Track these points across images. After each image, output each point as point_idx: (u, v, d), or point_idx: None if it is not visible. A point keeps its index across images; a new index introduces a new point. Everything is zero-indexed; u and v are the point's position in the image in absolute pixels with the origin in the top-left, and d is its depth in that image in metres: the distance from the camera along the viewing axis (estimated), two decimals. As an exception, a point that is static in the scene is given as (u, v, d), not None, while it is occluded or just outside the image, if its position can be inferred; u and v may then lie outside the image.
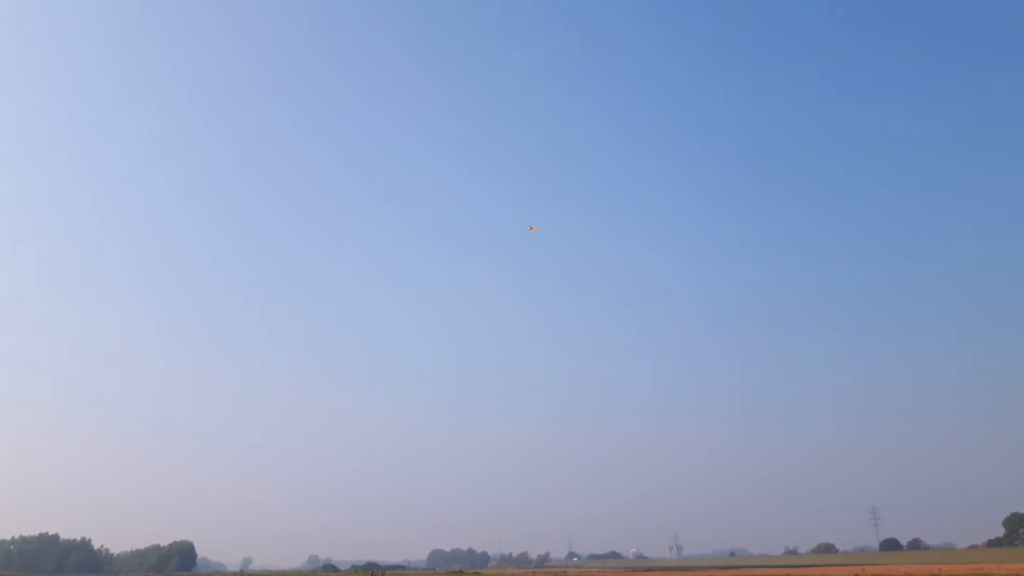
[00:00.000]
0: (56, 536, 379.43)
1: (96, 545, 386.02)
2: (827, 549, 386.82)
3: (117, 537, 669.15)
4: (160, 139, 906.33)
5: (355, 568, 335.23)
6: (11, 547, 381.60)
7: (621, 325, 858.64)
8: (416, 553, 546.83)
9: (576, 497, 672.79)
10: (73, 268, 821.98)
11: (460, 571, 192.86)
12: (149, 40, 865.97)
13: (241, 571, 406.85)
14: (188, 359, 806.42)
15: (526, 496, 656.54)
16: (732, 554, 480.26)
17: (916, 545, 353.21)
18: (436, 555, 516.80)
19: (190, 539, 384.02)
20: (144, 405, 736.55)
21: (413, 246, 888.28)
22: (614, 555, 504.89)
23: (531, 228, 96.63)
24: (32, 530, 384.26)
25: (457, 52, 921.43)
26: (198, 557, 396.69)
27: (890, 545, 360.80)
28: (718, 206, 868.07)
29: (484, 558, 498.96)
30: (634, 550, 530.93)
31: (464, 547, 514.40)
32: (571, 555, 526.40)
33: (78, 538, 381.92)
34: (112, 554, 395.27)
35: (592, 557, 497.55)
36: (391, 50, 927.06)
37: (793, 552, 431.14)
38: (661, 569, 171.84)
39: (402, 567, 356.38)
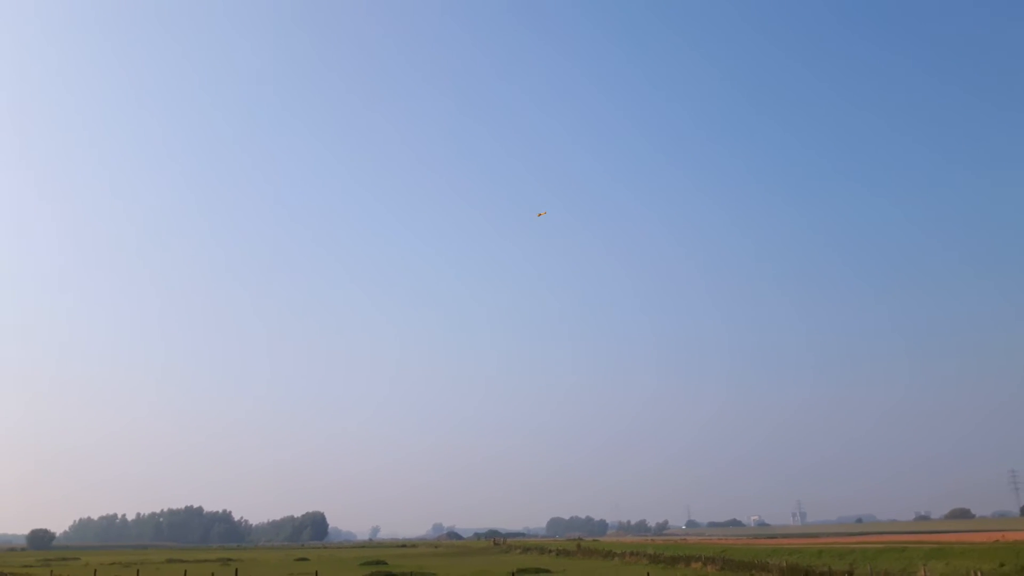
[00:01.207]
0: (200, 509, 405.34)
1: (236, 517, 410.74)
2: (962, 515, 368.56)
3: (255, 509, 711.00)
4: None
5: (477, 535, 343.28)
6: (161, 519, 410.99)
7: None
8: (535, 521, 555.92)
9: (695, 464, 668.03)
10: (217, 261, 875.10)
11: (579, 539, 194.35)
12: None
13: (369, 539, 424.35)
14: (321, 344, 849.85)
15: (645, 465, 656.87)
16: (859, 520, 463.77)
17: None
18: (555, 523, 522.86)
19: (321, 510, 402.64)
20: (277, 386, 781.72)
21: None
22: (735, 523, 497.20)
23: (540, 215, 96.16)
24: (179, 503, 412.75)
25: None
26: (329, 527, 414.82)
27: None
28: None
29: (602, 526, 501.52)
30: (755, 517, 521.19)
31: (582, 515, 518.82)
32: (690, 523, 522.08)
33: (220, 510, 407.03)
34: (251, 525, 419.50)
35: (712, 525, 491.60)
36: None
37: (925, 518, 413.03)
38: (784, 537, 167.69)
39: (522, 534, 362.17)
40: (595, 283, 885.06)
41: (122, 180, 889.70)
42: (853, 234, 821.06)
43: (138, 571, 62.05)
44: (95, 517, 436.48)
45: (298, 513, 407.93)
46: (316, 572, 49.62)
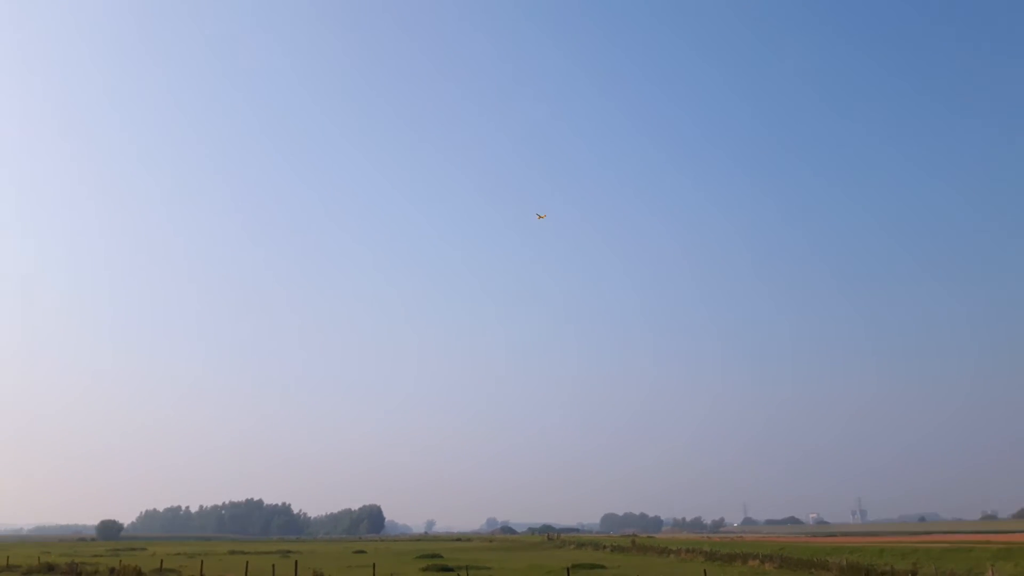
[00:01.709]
0: (261, 501, 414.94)
1: (295, 509, 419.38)
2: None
3: (314, 502, 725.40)
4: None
5: (531, 530, 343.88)
6: (223, 511, 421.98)
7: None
8: (589, 517, 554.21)
9: (752, 461, 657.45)
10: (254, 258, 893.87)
11: (634, 535, 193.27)
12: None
13: (425, 532, 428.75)
14: (387, 339, 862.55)
15: (702, 462, 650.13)
16: (922, 519, 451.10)
17: None
18: (608, 519, 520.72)
19: (378, 503, 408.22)
20: (336, 383, 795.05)
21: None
22: (792, 520, 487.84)
23: (540, 216, 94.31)
24: (240, 496, 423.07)
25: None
26: (385, 520, 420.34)
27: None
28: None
29: (657, 523, 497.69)
30: (814, 515, 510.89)
31: (637, 511, 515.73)
32: (747, 520, 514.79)
33: (280, 503, 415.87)
34: (310, 517, 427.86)
35: (769, 523, 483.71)
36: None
37: (992, 517, 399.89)
38: (844, 535, 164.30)
39: (576, 530, 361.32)
40: (665, 281, 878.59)
41: (173, 188, 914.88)
42: (919, 227, 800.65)
43: (202, 562, 63.82)
44: (160, 509, 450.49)
45: (355, 506, 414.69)
46: (374, 564, 50.39)
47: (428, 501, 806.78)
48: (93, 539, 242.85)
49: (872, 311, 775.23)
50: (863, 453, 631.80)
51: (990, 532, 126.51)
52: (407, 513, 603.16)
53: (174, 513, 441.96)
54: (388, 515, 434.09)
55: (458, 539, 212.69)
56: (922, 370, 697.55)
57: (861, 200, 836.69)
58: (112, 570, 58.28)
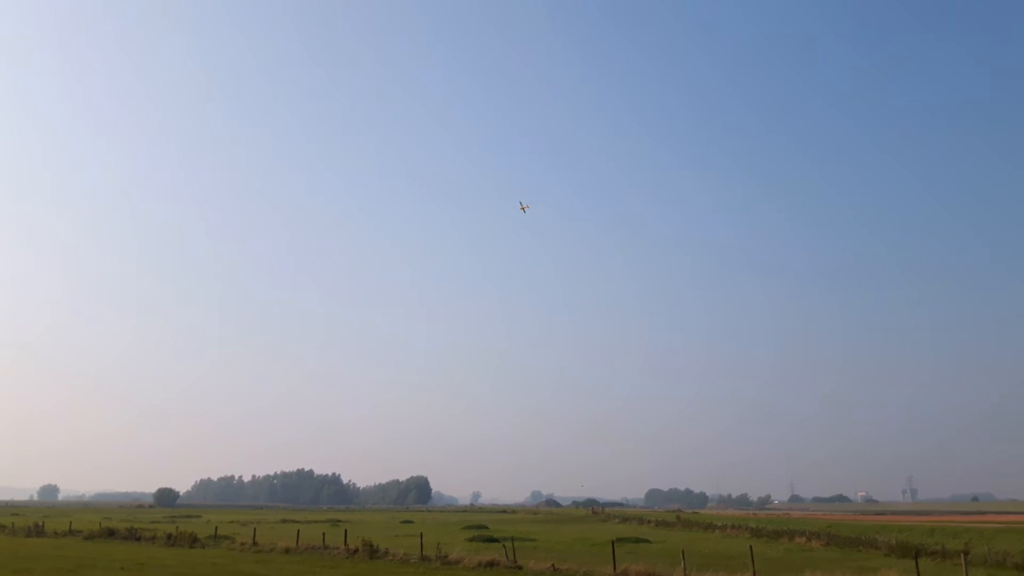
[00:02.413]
0: (311, 472, 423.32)
1: (344, 480, 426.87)
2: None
3: (362, 473, 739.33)
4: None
5: (575, 504, 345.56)
6: (275, 481, 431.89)
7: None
8: (633, 491, 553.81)
9: (800, 438, 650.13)
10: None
11: (678, 510, 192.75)
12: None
13: (471, 504, 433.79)
14: (437, 310, 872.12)
15: (749, 439, 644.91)
16: (975, 499, 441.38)
17: None
18: (653, 494, 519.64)
19: (425, 475, 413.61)
20: (387, 357, 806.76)
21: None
22: (841, 499, 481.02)
23: (523, 207, 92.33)
24: (291, 467, 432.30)
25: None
26: (432, 491, 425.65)
27: None
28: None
29: (702, 498, 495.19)
30: (863, 493, 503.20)
31: (682, 487, 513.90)
32: (794, 498, 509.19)
33: (329, 473, 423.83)
34: (358, 488, 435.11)
35: (817, 500, 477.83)
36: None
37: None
38: (893, 514, 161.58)
39: (620, 504, 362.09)
40: (727, 279, 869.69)
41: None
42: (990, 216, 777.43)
43: (255, 529, 65.50)
44: (214, 478, 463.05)
45: (403, 477, 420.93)
46: (421, 534, 51.14)
47: (474, 473, 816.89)
48: (151, 506, 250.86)
49: (928, 300, 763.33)
50: (915, 432, 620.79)
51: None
52: (453, 485, 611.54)
53: (227, 482, 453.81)
54: (435, 486, 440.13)
55: (503, 511, 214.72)
56: (977, 352, 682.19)
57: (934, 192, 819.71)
58: (169, 535, 60.15)
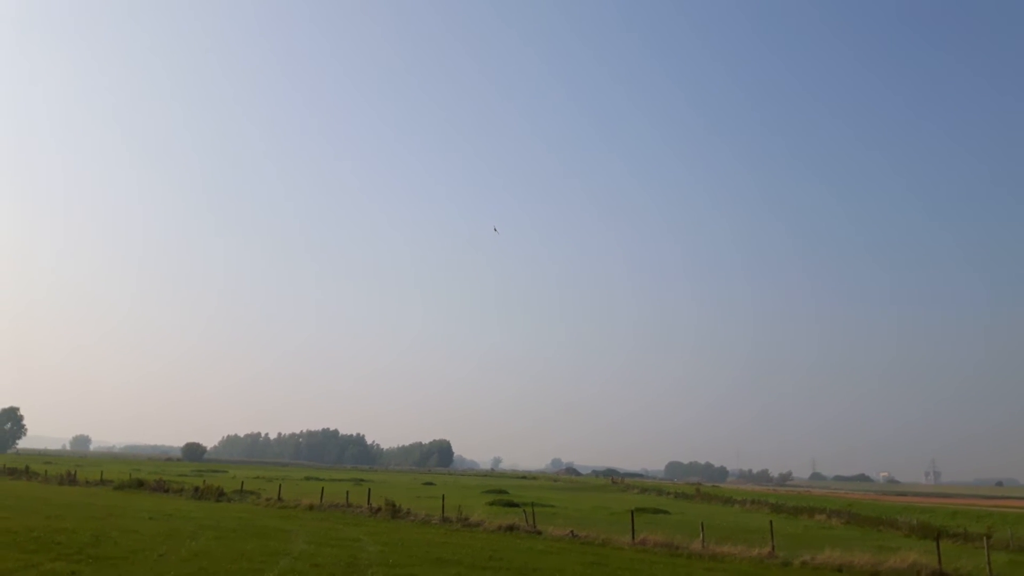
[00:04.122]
0: (336, 431, 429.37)
1: (368, 440, 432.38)
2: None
3: (386, 434, 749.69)
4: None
5: (595, 473, 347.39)
6: (300, 440, 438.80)
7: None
8: (654, 463, 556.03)
9: (823, 417, 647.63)
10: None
11: (698, 483, 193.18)
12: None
13: (491, 469, 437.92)
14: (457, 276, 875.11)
15: (772, 415, 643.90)
16: (999, 484, 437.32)
17: None
18: (673, 467, 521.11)
19: (448, 439, 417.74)
20: (411, 325, 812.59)
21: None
22: (862, 478, 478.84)
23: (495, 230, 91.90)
24: (317, 426, 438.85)
25: None
26: (454, 455, 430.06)
27: None
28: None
29: (722, 473, 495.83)
30: (885, 474, 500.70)
31: (702, 461, 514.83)
32: (815, 475, 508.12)
33: (354, 434, 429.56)
34: (382, 449, 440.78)
35: (838, 479, 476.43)
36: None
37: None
38: (915, 495, 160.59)
39: (639, 475, 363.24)
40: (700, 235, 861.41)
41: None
42: None
43: (280, 485, 66.72)
44: (241, 435, 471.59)
45: (426, 440, 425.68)
46: (443, 496, 51.77)
47: (496, 439, 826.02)
48: (179, 459, 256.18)
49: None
50: (941, 415, 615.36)
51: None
52: (475, 449, 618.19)
53: (254, 439, 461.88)
54: (457, 450, 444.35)
55: (523, 477, 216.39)
56: (995, 334, 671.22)
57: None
58: (196, 488, 61.43)
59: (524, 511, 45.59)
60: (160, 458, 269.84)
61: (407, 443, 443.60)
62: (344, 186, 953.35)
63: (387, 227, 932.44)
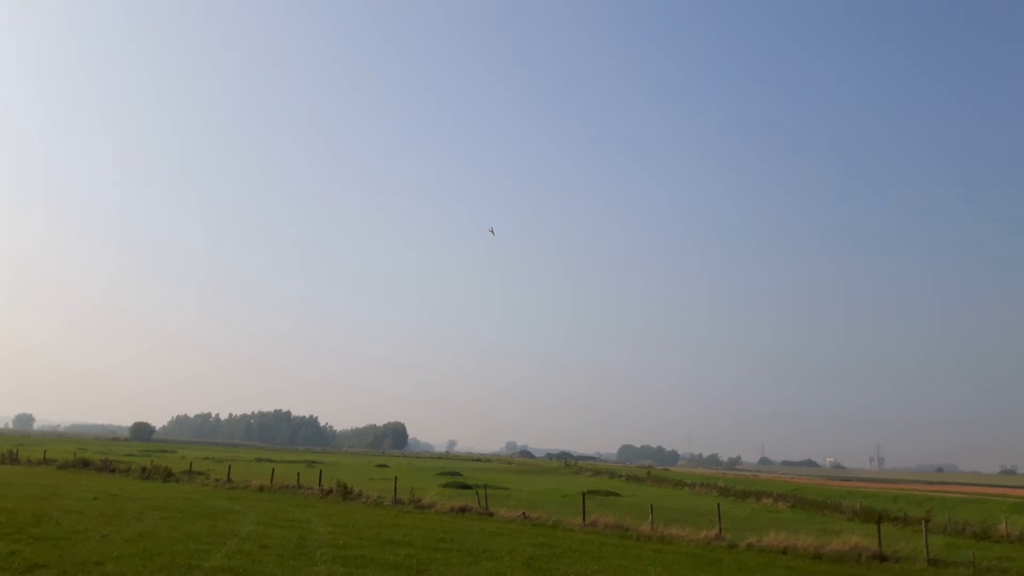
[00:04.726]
0: (288, 413, 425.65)
1: (322, 422, 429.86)
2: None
3: (340, 416, 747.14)
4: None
5: (549, 456, 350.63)
6: (251, 420, 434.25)
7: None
8: (607, 447, 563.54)
9: (773, 404, 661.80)
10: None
11: (650, 466, 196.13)
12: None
13: (446, 452, 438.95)
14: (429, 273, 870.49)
15: (722, 400, 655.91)
16: (939, 470, 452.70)
17: None
18: (626, 450, 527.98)
19: (402, 421, 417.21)
20: (368, 310, 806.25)
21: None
22: (809, 463, 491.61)
23: (491, 231, 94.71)
24: (269, 407, 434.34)
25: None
26: (409, 438, 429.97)
27: None
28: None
29: (673, 456, 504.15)
30: (831, 459, 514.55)
31: (654, 444, 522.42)
32: (763, 460, 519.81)
33: (307, 415, 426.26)
34: (335, 431, 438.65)
35: (786, 464, 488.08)
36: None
37: (1011, 472, 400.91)
38: (860, 480, 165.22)
39: (593, 458, 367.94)
40: (655, 226, 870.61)
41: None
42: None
43: (229, 466, 65.87)
44: (191, 415, 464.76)
45: (380, 423, 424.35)
46: (395, 478, 51.65)
47: (451, 422, 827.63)
48: (126, 439, 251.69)
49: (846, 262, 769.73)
50: (886, 404, 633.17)
51: (1008, 486, 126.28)
52: (430, 432, 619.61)
53: (204, 419, 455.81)
54: (412, 433, 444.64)
55: (478, 460, 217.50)
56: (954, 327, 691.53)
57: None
58: (143, 469, 60.36)
59: (477, 493, 45.75)
60: (107, 438, 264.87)
61: (361, 425, 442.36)
62: (295, 163, 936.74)
63: (336, 213, 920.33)
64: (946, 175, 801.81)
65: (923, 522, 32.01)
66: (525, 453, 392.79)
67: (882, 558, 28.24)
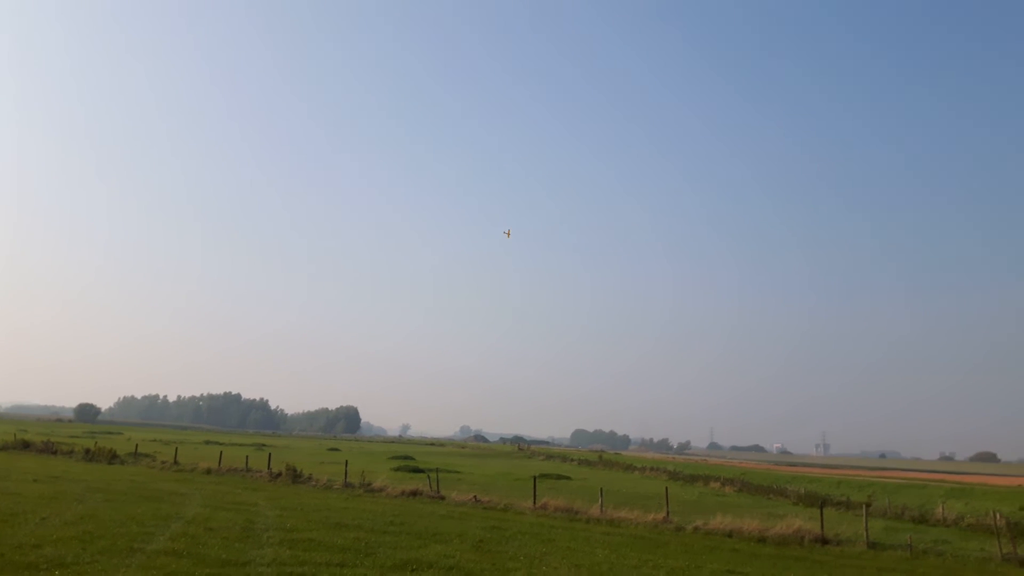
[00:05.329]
0: (239, 395, 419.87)
1: (273, 406, 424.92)
2: (988, 458, 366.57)
3: (292, 400, 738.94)
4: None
5: (503, 440, 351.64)
6: (200, 403, 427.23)
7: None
8: (560, 431, 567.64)
9: (721, 391, 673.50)
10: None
11: (601, 451, 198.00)
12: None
13: (399, 436, 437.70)
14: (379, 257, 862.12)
15: (673, 387, 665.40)
16: (882, 456, 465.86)
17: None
18: (579, 434, 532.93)
19: (355, 405, 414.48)
20: (325, 295, 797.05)
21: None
22: (757, 448, 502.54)
23: (507, 233, 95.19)
24: (218, 389, 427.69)
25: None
26: (361, 421, 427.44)
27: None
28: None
29: (625, 441, 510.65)
30: (778, 445, 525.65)
31: (607, 429, 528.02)
32: (712, 445, 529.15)
33: (257, 398, 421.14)
34: (286, 414, 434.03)
35: (734, 449, 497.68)
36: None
37: (949, 459, 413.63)
38: (805, 465, 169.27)
39: (546, 443, 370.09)
40: (612, 217, 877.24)
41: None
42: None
43: (177, 449, 64.83)
44: (138, 396, 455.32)
45: (333, 406, 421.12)
46: (346, 462, 51.37)
47: (405, 407, 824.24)
48: (70, 421, 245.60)
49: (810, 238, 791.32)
50: (832, 392, 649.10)
51: (946, 472, 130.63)
52: (383, 416, 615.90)
53: (151, 401, 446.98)
54: (364, 417, 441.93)
55: (431, 444, 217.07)
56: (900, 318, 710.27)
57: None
58: (87, 451, 59.04)
59: (428, 477, 45.70)
60: (50, 419, 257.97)
61: (313, 409, 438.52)
62: (234, 147, 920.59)
63: (271, 195, 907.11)
64: (910, 173, 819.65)
65: (864, 506, 32.83)
66: (479, 437, 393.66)
67: (824, 541, 28.93)
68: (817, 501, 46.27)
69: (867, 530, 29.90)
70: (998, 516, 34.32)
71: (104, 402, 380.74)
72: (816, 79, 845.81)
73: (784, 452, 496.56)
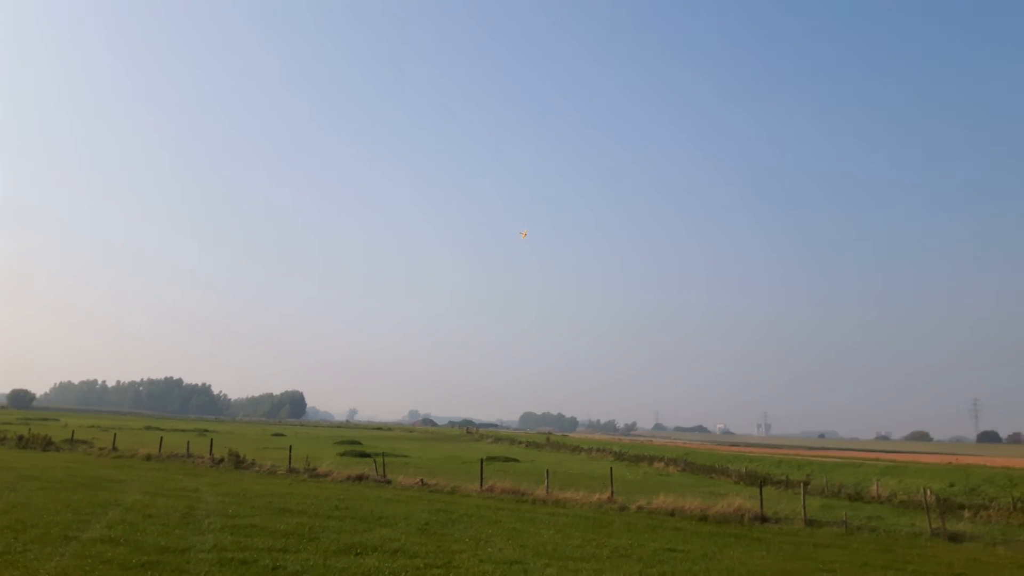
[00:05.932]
0: (180, 380, 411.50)
1: (215, 391, 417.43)
2: (921, 437, 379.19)
3: (235, 385, 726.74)
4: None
5: (451, 423, 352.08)
6: (140, 388, 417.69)
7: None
8: (508, 414, 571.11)
9: (665, 372, 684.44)
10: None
11: (549, 433, 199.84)
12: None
13: (346, 421, 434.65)
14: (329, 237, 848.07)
15: (619, 369, 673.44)
16: (821, 436, 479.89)
17: (1017, 439, 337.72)
18: (527, 417, 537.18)
19: (300, 390, 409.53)
20: (268, 270, 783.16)
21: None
22: (701, 429, 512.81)
23: (523, 234, 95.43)
24: (159, 374, 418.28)
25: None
26: (307, 406, 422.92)
27: (988, 437, 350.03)
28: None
29: (573, 423, 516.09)
30: (721, 426, 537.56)
31: (555, 412, 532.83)
32: (658, 426, 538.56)
33: (199, 383, 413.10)
34: (230, 399, 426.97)
35: (679, 430, 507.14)
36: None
37: (885, 438, 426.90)
38: (747, 445, 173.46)
39: (495, 425, 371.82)
40: (563, 207, 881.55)
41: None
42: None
43: (115, 435, 63.28)
44: (76, 382, 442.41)
45: (277, 391, 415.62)
46: (291, 447, 50.80)
47: (351, 390, 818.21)
48: (3, 407, 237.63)
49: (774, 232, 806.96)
50: (772, 372, 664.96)
51: (881, 451, 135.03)
52: (330, 401, 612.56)
53: (89, 387, 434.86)
54: (311, 402, 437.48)
55: (379, 428, 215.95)
56: (832, 295, 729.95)
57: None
58: (20, 437, 57.19)
59: (375, 461, 45.51)
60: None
61: (257, 394, 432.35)
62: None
63: (226, 179, 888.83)
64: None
65: (802, 485, 33.76)
66: (428, 421, 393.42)
67: (763, 519, 29.66)
68: (757, 480, 47.40)
69: (805, 508, 30.74)
70: (928, 493, 35.63)
71: (39, 388, 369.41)
72: (797, 78, 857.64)
73: (727, 432, 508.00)
